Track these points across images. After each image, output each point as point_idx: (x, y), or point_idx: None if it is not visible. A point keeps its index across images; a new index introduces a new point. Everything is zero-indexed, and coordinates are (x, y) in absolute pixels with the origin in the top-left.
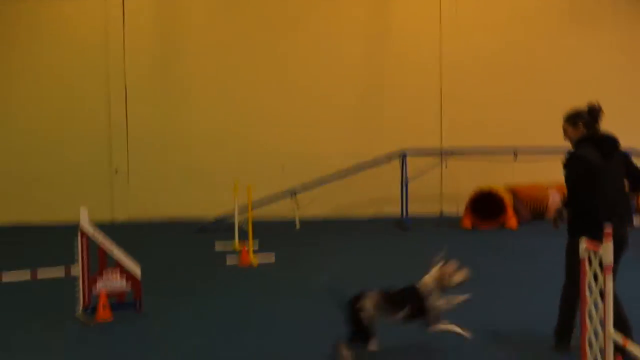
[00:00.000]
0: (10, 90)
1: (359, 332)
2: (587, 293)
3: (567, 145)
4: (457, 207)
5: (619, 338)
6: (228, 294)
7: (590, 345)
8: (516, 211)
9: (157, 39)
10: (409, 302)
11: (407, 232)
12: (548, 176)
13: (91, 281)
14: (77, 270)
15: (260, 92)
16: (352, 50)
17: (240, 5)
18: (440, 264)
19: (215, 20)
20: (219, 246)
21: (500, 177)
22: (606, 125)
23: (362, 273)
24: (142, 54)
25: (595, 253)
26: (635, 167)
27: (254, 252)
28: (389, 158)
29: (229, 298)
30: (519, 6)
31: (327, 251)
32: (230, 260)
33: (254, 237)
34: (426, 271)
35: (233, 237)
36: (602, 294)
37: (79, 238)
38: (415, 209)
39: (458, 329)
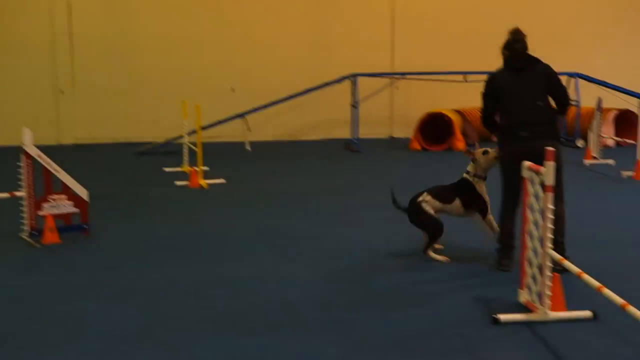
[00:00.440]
0: None
1: (431, 225)
2: (529, 212)
3: None
4: (407, 130)
5: (557, 256)
6: (177, 215)
7: (530, 264)
8: (464, 133)
9: None
10: (461, 191)
11: (357, 153)
12: None
13: (37, 204)
14: (22, 193)
15: (210, 15)
16: None
17: None
18: (471, 149)
19: None
20: (168, 168)
21: (450, 100)
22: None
23: (314, 193)
24: None
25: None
26: (555, 87)
27: (204, 173)
28: (339, 80)
29: (178, 218)
30: None
31: (275, 172)
32: (180, 182)
33: (203, 159)
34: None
35: (182, 159)
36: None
37: (23, 160)
38: (366, 132)
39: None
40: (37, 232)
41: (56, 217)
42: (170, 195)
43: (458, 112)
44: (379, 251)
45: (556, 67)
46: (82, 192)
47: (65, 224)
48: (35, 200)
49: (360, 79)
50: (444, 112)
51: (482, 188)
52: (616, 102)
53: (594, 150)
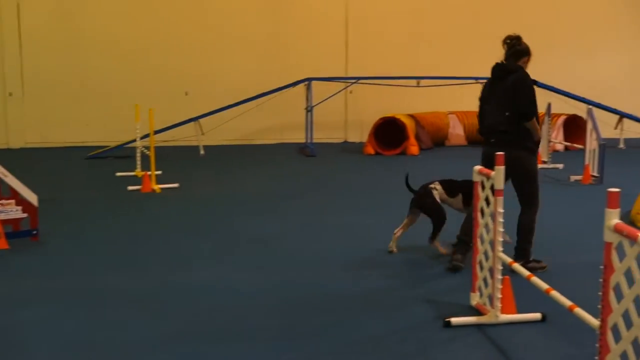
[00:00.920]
0: None
1: (435, 211)
2: (479, 216)
3: (466, 74)
4: (361, 134)
5: (507, 259)
6: (129, 220)
7: (481, 267)
8: (418, 138)
9: None
10: (465, 188)
11: (311, 157)
12: (448, 104)
13: None
14: None
15: (164, 18)
16: None
17: None
18: None
19: None
20: (120, 172)
21: (404, 105)
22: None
23: (268, 197)
24: None
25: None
26: (516, 97)
27: (157, 177)
28: (294, 85)
29: (130, 224)
30: None
31: (230, 176)
32: (132, 186)
33: (156, 164)
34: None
35: (135, 163)
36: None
37: None
38: (321, 136)
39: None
40: None
41: (4, 222)
42: (122, 200)
43: (412, 116)
44: (333, 256)
45: None
46: (32, 197)
47: (13, 230)
48: None
49: (314, 84)
50: (397, 116)
51: None
52: (565, 107)
53: (543, 154)
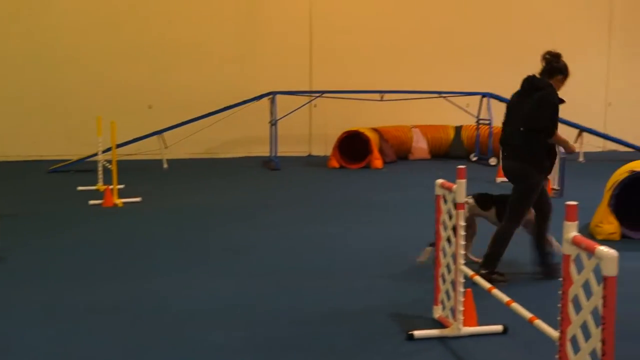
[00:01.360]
0: None
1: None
2: (441, 229)
3: (429, 88)
4: (325, 148)
5: (469, 272)
6: (90, 235)
7: (444, 280)
8: (382, 151)
9: None
10: (499, 203)
11: (276, 171)
12: (412, 118)
13: None
14: None
15: (128, 30)
16: None
17: None
18: None
19: None
20: (81, 187)
21: (368, 119)
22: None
23: (232, 209)
24: None
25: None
26: (539, 113)
27: (119, 191)
28: (258, 98)
29: (91, 238)
30: None
31: (194, 189)
32: (94, 201)
33: (119, 177)
34: None
35: (96, 177)
36: (455, 230)
37: None
38: (285, 149)
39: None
40: None
41: None
42: (83, 215)
43: (375, 130)
44: (296, 268)
45: (468, 87)
46: None
47: None
48: None
49: (279, 97)
50: (361, 130)
51: None
52: None
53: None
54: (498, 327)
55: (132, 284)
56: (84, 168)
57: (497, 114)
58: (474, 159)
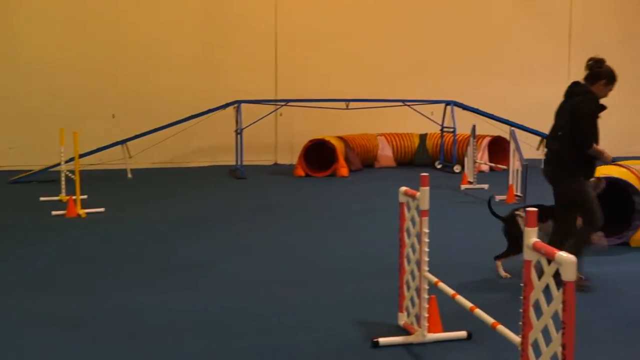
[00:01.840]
0: None
1: (513, 239)
2: (405, 236)
3: (394, 97)
4: (291, 157)
5: (433, 279)
6: (52, 246)
7: (408, 287)
8: (347, 160)
9: None
10: (551, 216)
11: (242, 180)
12: (377, 126)
13: None
14: None
15: (91, 38)
16: (192, 2)
17: None
18: None
19: None
20: (44, 197)
21: (333, 127)
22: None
23: (197, 220)
24: None
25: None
26: (571, 122)
27: (82, 202)
28: (223, 107)
29: (53, 249)
30: None
31: (158, 199)
32: (56, 211)
33: (82, 188)
34: None
35: (59, 188)
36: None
37: None
38: (251, 158)
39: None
40: None
41: None
42: (46, 226)
43: (341, 138)
44: (261, 278)
45: (432, 95)
46: None
47: None
48: None
49: (244, 106)
50: (327, 138)
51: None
52: (489, 129)
53: (469, 175)
54: (462, 333)
55: (93, 297)
56: (47, 178)
57: (461, 122)
58: (439, 166)
